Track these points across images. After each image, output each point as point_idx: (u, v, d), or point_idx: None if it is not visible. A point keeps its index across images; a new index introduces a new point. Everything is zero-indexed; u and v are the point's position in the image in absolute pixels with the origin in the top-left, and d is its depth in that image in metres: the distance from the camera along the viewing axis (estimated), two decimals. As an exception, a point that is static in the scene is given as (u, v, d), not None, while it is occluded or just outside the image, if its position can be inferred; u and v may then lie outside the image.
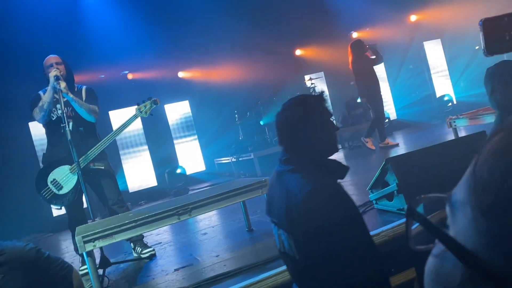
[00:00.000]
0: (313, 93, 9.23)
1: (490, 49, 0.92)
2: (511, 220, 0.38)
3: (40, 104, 3.73)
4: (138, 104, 3.92)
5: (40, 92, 3.84)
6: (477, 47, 10.65)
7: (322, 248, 1.48)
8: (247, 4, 9.50)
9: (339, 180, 1.69)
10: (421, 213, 0.49)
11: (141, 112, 3.88)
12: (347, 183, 5.40)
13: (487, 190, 0.41)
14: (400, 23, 11.26)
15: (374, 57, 7.17)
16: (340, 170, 1.73)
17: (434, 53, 11.63)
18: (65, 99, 3.69)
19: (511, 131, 0.43)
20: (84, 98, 3.88)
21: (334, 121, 1.74)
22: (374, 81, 7.12)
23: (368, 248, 1.56)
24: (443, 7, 10.62)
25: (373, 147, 7.53)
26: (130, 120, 3.79)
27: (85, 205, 3.72)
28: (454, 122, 4.59)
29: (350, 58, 7.23)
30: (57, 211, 6.91)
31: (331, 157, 1.78)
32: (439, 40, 11.66)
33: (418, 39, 11.33)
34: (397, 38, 10.94)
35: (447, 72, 11.56)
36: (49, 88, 3.73)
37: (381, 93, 7.32)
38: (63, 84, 3.66)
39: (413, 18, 11.60)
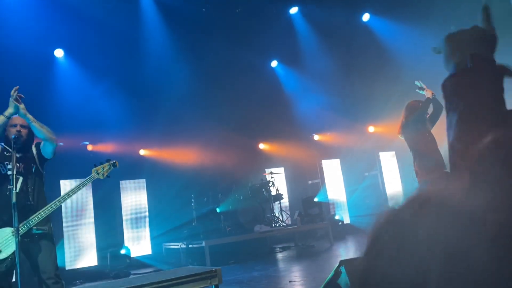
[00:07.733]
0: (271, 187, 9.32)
1: None
2: None
3: None
4: (95, 166, 3.79)
5: None
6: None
7: None
8: (214, 96, 9.85)
9: None
10: None
11: (98, 173, 3.73)
12: (298, 284, 5.23)
13: None
14: (359, 132, 11.96)
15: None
16: None
17: (389, 164, 12.25)
18: (18, 155, 3.52)
19: None
20: (35, 153, 3.73)
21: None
22: None
23: None
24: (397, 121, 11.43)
25: None
26: (85, 181, 3.63)
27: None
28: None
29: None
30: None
31: None
32: (393, 152, 12.37)
33: (374, 149, 11.98)
34: (355, 146, 11.54)
35: (400, 184, 12.09)
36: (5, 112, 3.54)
37: None
38: (22, 106, 3.54)
39: (371, 129, 12.39)
